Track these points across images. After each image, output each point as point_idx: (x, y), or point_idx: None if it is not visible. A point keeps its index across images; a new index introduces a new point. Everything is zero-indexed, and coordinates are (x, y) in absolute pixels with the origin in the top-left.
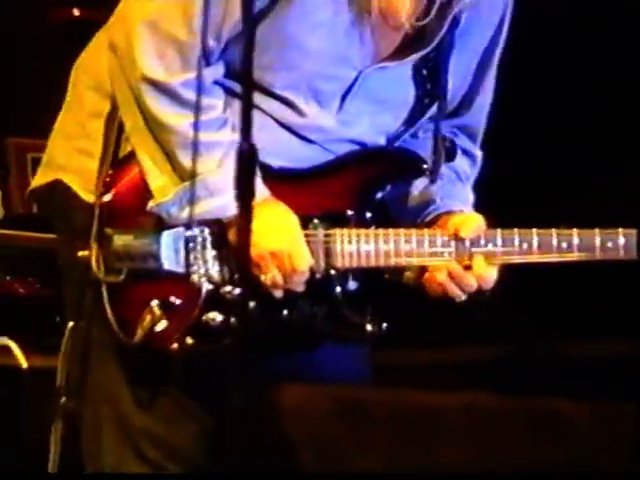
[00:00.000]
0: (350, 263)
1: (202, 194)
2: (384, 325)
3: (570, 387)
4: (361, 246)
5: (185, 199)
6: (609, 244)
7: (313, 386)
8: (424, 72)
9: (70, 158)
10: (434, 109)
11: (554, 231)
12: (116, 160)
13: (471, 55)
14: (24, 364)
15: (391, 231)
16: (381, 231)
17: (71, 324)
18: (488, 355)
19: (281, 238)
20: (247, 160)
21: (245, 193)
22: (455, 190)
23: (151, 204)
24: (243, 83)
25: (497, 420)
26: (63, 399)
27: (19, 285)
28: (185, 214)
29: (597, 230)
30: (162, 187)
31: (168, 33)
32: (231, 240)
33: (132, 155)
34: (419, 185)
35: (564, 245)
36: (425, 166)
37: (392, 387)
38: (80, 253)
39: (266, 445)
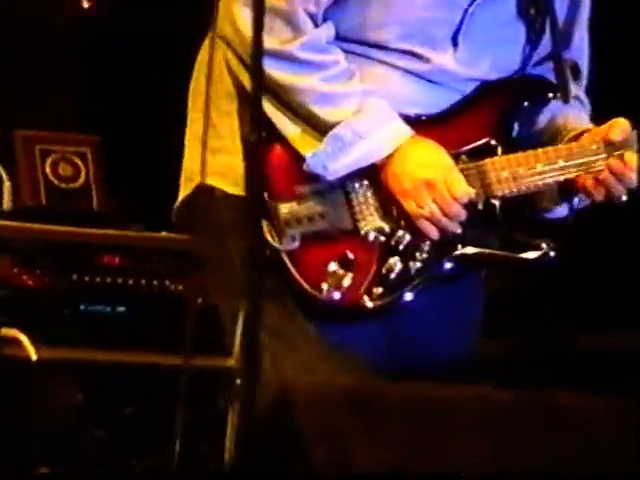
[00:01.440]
0: (510, 188)
1: (352, 139)
2: (554, 243)
3: (586, 381)
4: (516, 170)
5: (337, 147)
6: None
7: (324, 381)
8: (527, 4)
9: (208, 161)
10: (546, 41)
11: None
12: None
13: None
14: (34, 356)
15: (540, 151)
16: (530, 152)
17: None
18: (500, 349)
19: (435, 167)
20: (256, 151)
21: (254, 184)
22: (582, 115)
23: (306, 162)
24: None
25: (511, 414)
26: (238, 380)
27: (28, 277)
28: (341, 163)
29: None
30: (312, 146)
31: (269, 6)
32: (385, 179)
33: (273, 135)
34: (548, 114)
35: None
36: (555, 84)
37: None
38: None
39: (279, 440)
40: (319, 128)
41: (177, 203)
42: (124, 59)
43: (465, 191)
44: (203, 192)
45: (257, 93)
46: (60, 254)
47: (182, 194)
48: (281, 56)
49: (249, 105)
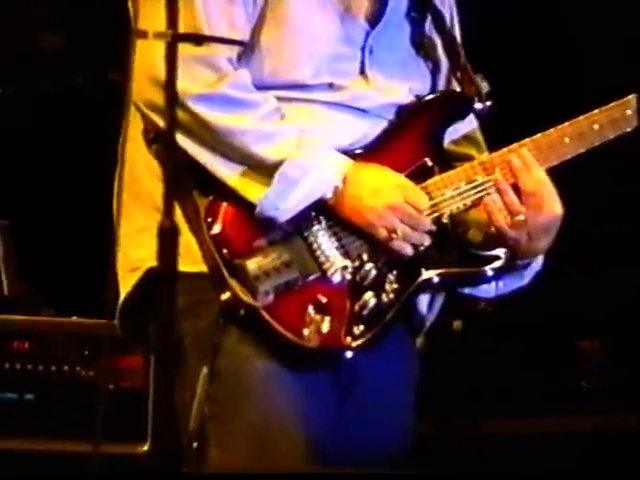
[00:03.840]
0: (456, 204)
1: (297, 175)
2: (509, 253)
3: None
4: (458, 185)
5: (286, 185)
6: None
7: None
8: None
9: (146, 245)
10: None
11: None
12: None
13: None
14: None
15: (475, 163)
16: (467, 165)
17: (205, 370)
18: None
19: (390, 189)
20: (170, 237)
21: (169, 270)
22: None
23: (257, 208)
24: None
25: None
26: (195, 444)
27: None
28: (291, 202)
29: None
30: (258, 190)
31: (188, 56)
32: (345, 216)
33: (219, 195)
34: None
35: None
36: (473, 95)
37: None
38: (223, 297)
39: None
40: (262, 170)
41: (123, 298)
42: (32, 141)
43: (427, 200)
44: (150, 276)
45: (172, 175)
46: None
47: (128, 286)
48: (213, 98)
49: (165, 188)
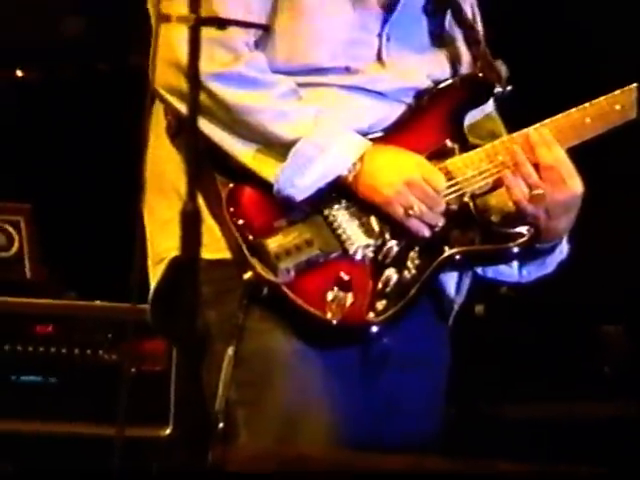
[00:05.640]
0: (478, 184)
1: (314, 153)
2: (532, 230)
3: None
4: (479, 165)
5: (301, 163)
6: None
7: (259, 447)
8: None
9: (171, 236)
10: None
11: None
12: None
13: None
14: None
15: (497, 142)
16: (488, 145)
17: (230, 351)
18: None
19: (408, 166)
20: (192, 221)
21: (191, 252)
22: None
23: (275, 186)
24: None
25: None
26: (221, 425)
27: None
28: (308, 179)
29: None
30: (274, 167)
31: (205, 38)
32: (363, 195)
33: (239, 177)
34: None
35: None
36: (494, 80)
37: None
38: (245, 276)
39: None
40: (278, 148)
41: (152, 290)
42: (55, 127)
43: (443, 180)
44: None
45: (194, 161)
46: None
47: (156, 278)
48: (229, 77)
49: (187, 172)
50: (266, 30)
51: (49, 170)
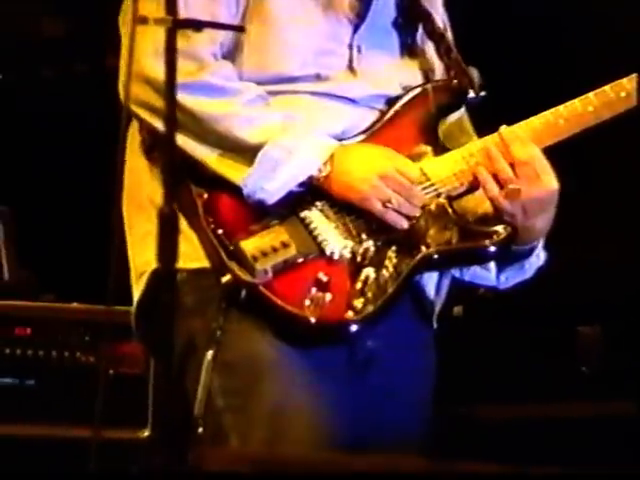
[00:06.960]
0: (452, 185)
1: (281, 156)
2: (509, 229)
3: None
4: (453, 167)
5: (269, 167)
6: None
7: (234, 449)
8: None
9: (150, 248)
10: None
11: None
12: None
13: None
14: None
15: (471, 144)
16: (463, 148)
17: (209, 354)
18: None
19: (380, 159)
20: (169, 223)
21: (169, 254)
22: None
23: (244, 190)
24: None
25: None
26: (200, 429)
27: None
28: (277, 182)
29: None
30: (241, 172)
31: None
32: (338, 195)
33: (214, 185)
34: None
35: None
36: (467, 86)
37: None
38: (224, 279)
39: None
40: (245, 153)
41: (135, 304)
42: (33, 128)
43: (416, 170)
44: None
45: (170, 162)
46: None
47: (138, 292)
48: (195, 86)
49: (162, 186)
50: (242, 31)
51: (27, 172)
